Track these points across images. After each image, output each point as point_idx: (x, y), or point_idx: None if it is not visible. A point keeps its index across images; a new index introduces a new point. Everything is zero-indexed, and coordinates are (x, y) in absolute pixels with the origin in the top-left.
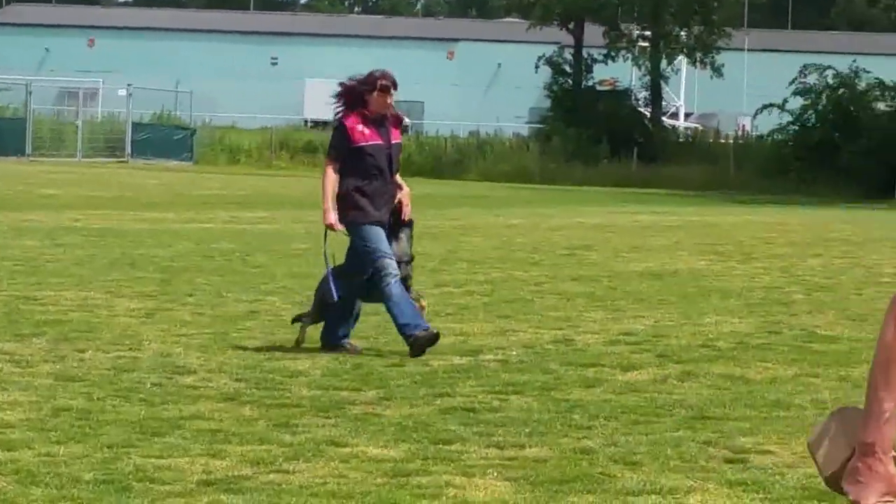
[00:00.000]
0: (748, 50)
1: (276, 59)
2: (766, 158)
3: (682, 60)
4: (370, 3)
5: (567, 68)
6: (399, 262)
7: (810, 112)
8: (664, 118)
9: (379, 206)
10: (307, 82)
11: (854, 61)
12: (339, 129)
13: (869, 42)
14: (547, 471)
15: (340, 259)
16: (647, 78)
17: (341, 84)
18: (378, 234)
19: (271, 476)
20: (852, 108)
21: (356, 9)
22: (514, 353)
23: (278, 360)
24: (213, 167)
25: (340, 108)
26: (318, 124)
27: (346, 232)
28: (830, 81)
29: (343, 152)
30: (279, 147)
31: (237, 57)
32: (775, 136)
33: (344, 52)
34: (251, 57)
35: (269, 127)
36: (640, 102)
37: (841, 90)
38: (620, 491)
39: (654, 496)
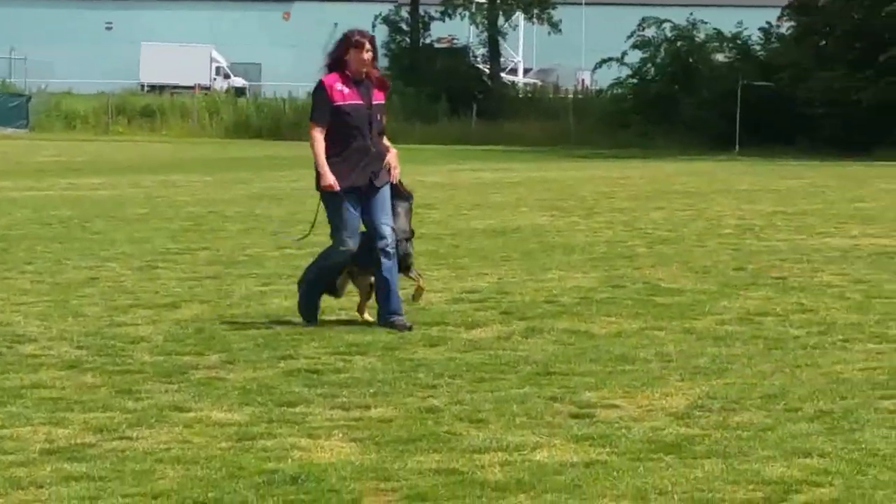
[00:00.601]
0: (585, 4)
1: (110, 23)
2: (606, 113)
3: (519, 16)
4: None
5: (404, 27)
6: (398, 240)
7: (649, 65)
8: (503, 74)
9: (357, 170)
10: (143, 46)
11: (692, 13)
12: (319, 89)
13: None
14: (392, 430)
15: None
16: (485, 35)
17: (329, 53)
18: (349, 215)
19: (115, 443)
20: (691, 60)
21: None
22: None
23: (119, 326)
24: (50, 134)
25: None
26: (154, 88)
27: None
28: (669, 34)
29: (326, 112)
30: (116, 112)
31: (71, 22)
32: (615, 90)
33: (179, 16)
34: (86, 22)
35: (105, 92)
36: (478, 59)
37: (679, 42)
38: (467, 449)
39: (500, 453)
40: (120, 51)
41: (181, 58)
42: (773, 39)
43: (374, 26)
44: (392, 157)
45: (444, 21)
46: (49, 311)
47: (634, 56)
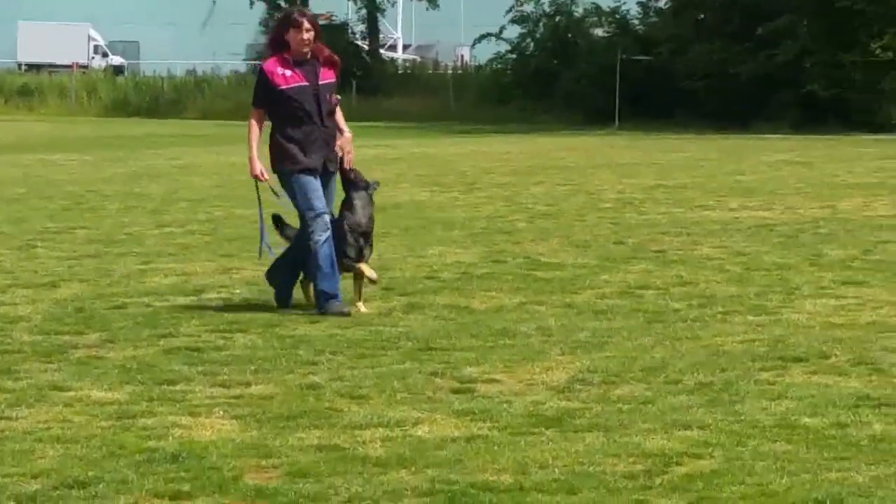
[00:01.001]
0: None
1: None
2: (486, 88)
3: None
4: None
5: (282, 3)
6: (353, 233)
7: (528, 40)
8: (382, 51)
9: (310, 152)
10: (20, 25)
11: None
12: (260, 75)
13: None
14: (273, 407)
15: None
16: (364, 11)
17: (271, 32)
18: (311, 185)
19: None
20: (570, 35)
21: None
22: (238, 291)
23: None
24: None
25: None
26: (32, 67)
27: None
28: (547, 9)
29: (263, 98)
30: None
31: None
32: (494, 66)
33: None
34: None
35: None
36: (357, 36)
37: (558, 17)
38: (348, 425)
39: (381, 429)
40: None
41: (59, 37)
42: (651, 13)
43: (251, 3)
44: (345, 140)
45: None
46: None
47: (513, 31)
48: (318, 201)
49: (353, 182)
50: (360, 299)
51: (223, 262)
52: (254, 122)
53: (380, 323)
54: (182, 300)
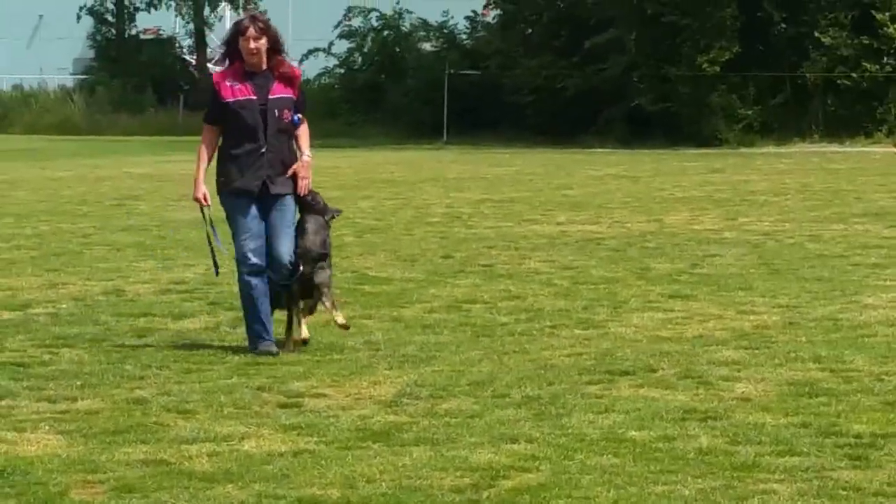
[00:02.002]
0: None
1: None
2: (315, 103)
3: (225, 7)
4: None
5: (109, 17)
6: (305, 259)
7: (356, 55)
8: (209, 65)
9: (248, 173)
10: None
11: (398, 3)
12: (210, 86)
13: None
14: (100, 422)
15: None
16: (191, 26)
17: (223, 41)
18: (240, 209)
19: None
20: (398, 50)
21: None
22: (65, 305)
23: None
24: None
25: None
26: None
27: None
28: (375, 23)
29: (213, 113)
30: None
31: None
32: (322, 80)
33: None
34: None
35: None
36: (184, 50)
37: (386, 32)
38: (174, 440)
39: (208, 444)
40: None
41: None
42: (479, 28)
43: (79, 17)
44: (300, 164)
45: (149, 12)
46: None
47: (341, 46)
48: (243, 232)
49: (308, 205)
50: (335, 308)
51: (50, 277)
52: (203, 139)
53: (207, 338)
54: (7, 315)
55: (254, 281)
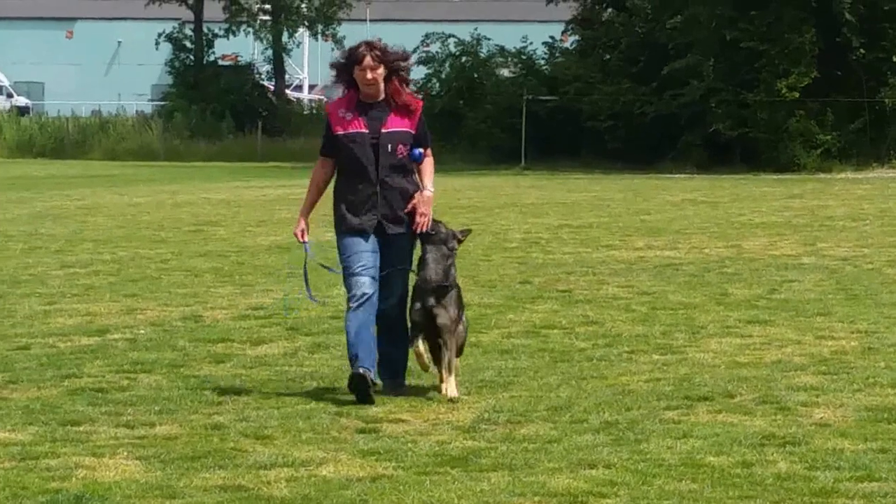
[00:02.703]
0: (370, 21)
1: None
2: None
3: (304, 33)
4: None
5: (188, 44)
6: (425, 290)
7: (434, 81)
8: (288, 91)
9: (361, 213)
10: None
11: (476, 29)
12: (325, 118)
13: (489, 9)
14: (178, 448)
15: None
16: (270, 51)
17: (331, 64)
18: (353, 245)
19: None
20: (476, 76)
21: None
22: (143, 331)
23: None
24: None
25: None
26: None
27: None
28: (453, 49)
29: (327, 145)
30: None
31: None
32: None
33: None
34: None
35: None
36: (263, 76)
37: (464, 58)
38: (252, 465)
39: (286, 469)
40: None
41: None
42: (557, 54)
43: (157, 44)
44: (420, 199)
45: (228, 38)
46: None
47: (419, 72)
48: (362, 259)
49: (426, 234)
50: (449, 373)
51: (128, 303)
52: (314, 171)
53: (285, 363)
54: (86, 340)
55: (361, 314)
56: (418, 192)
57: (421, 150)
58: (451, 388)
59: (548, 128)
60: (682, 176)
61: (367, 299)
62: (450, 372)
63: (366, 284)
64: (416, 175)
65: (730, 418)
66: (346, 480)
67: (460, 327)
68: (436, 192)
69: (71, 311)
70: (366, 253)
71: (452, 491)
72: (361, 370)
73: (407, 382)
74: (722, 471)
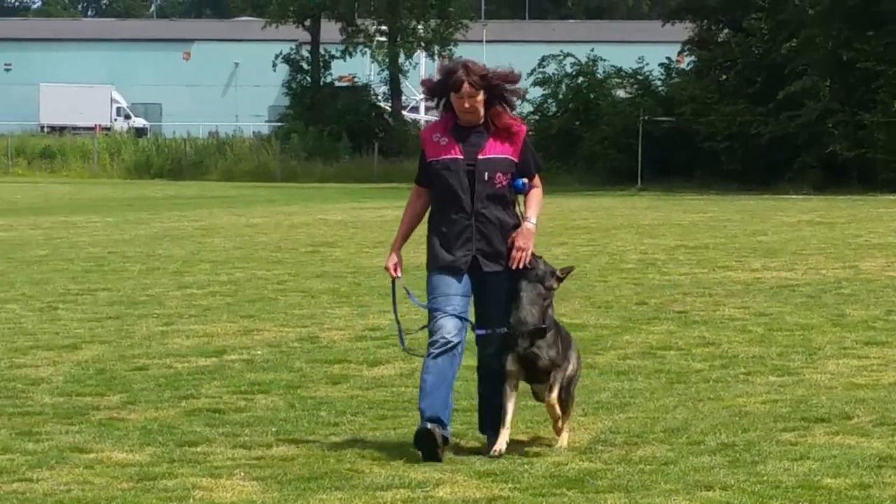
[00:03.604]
0: (486, 42)
1: (9, 64)
2: None
3: (420, 54)
4: (103, 7)
5: (305, 65)
6: (514, 334)
7: (550, 101)
8: (404, 112)
9: (454, 248)
10: (42, 87)
11: (592, 50)
12: (420, 144)
13: (605, 30)
14: (295, 469)
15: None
16: (386, 73)
17: (423, 82)
18: (444, 285)
19: (15, 485)
20: (592, 96)
21: (89, 12)
22: (259, 352)
23: (19, 368)
24: None
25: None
26: (54, 129)
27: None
28: (569, 70)
29: (421, 172)
30: (15, 153)
31: None
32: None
33: (79, 57)
34: None
35: (3, 133)
36: (379, 97)
37: (580, 79)
38: (369, 486)
39: (402, 490)
40: (19, 92)
41: (81, 99)
42: (673, 75)
43: (274, 66)
44: (518, 233)
45: (344, 60)
46: None
47: (535, 92)
48: (445, 304)
49: (520, 271)
50: (557, 432)
51: (244, 324)
52: (409, 203)
53: (401, 384)
54: (203, 361)
55: (440, 363)
56: (521, 227)
57: (525, 179)
58: (564, 437)
59: (664, 148)
60: (799, 197)
61: (450, 348)
62: (564, 423)
63: (450, 331)
64: (520, 208)
65: (847, 440)
66: (462, 501)
67: (570, 371)
68: (552, 212)
69: (188, 332)
70: (455, 296)
71: None
72: (429, 426)
73: (521, 404)
74: (839, 493)
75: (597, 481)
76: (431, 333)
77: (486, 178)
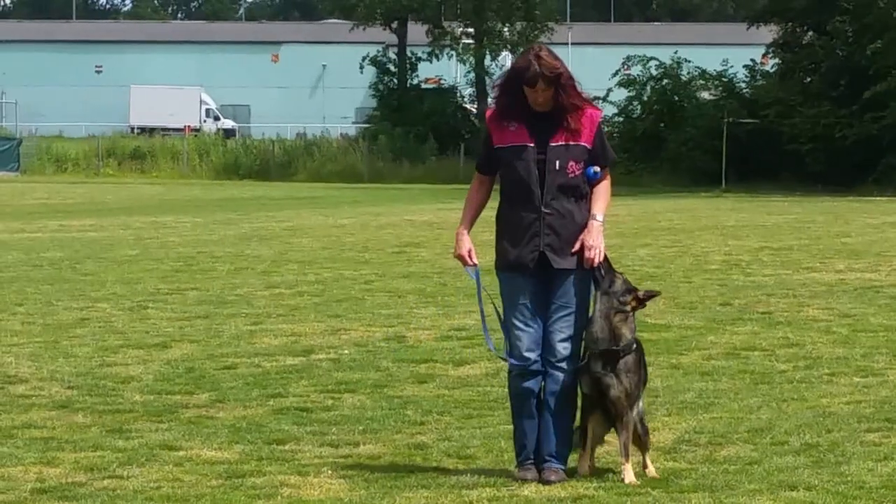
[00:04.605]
0: (571, 44)
1: (100, 67)
2: None
3: (506, 56)
4: (193, 9)
5: (392, 67)
6: (589, 351)
7: (635, 103)
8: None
9: (521, 242)
10: (132, 89)
11: (676, 52)
12: (485, 128)
13: (690, 32)
14: (381, 467)
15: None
16: (472, 75)
17: (496, 86)
18: (515, 294)
19: (105, 482)
20: (676, 98)
21: (179, 14)
22: (347, 351)
23: (110, 366)
24: (41, 177)
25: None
26: (144, 130)
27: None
28: (654, 72)
29: (485, 158)
30: (106, 154)
31: (62, 66)
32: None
33: (168, 59)
34: (76, 65)
35: (95, 135)
36: (465, 99)
37: (665, 80)
38: (455, 485)
39: (488, 489)
40: (110, 94)
41: (170, 100)
42: (758, 77)
43: (362, 68)
44: (588, 231)
45: (431, 62)
46: (40, 351)
47: (620, 94)
48: (515, 319)
49: (596, 281)
50: (626, 459)
51: (332, 323)
52: (470, 193)
53: (487, 384)
54: (291, 361)
55: (525, 383)
56: (590, 223)
57: (597, 168)
58: (628, 474)
59: (748, 150)
60: (883, 199)
61: (529, 365)
62: (626, 457)
63: (529, 348)
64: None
65: None
66: (547, 500)
67: (637, 411)
68: (637, 213)
69: (276, 332)
70: (524, 306)
71: None
72: (530, 475)
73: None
74: None
75: (681, 481)
76: (509, 347)
77: (557, 167)
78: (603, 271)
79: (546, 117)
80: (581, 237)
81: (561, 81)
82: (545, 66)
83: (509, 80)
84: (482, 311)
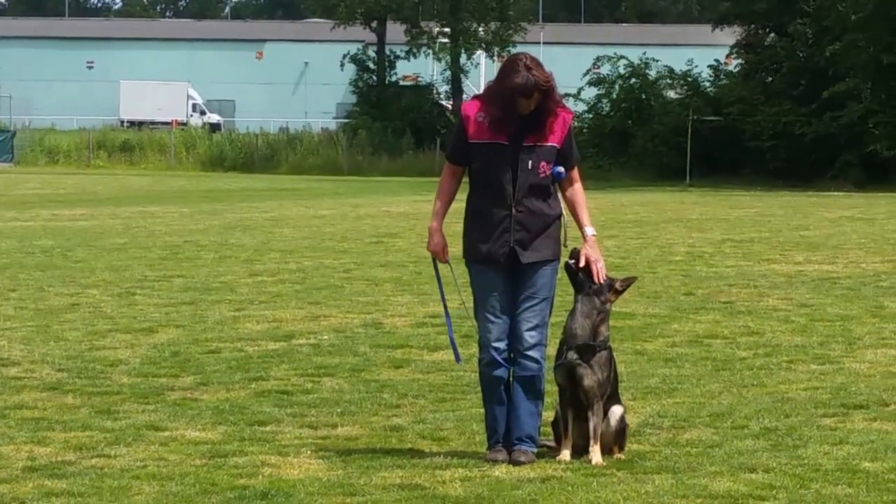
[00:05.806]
0: (543, 43)
1: (91, 62)
2: None
3: (480, 54)
4: (181, 8)
5: (371, 65)
6: (568, 345)
7: (604, 101)
8: None
9: (492, 237)
10: (122, 84)
11: (644, 52)
12: (460, 117)
13: (657, 33)
14: (358, 448)
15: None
16: (448, 72)
17: (488, 89)
18: (486, 287)
19: (94, 461)
20: (644, 97)
21: (167, 13)
22: (326, 337)
23: (99, 350)
24: (34, 167)
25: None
26: (133, 124)
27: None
28: (622, 71)
29: (457, 150)
30: (97, 147)
31: (54, 61)
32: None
33: (157, 55)
34: (68, 61)
35: (86, 128)
36: (441, 96)
37: (633, 80)
38: (429, 465)
39: (461, 469)
40: (100, 88)
41: (159, 95)
42: (721, 76)
43: (342, 65)
44: (588, 246)
45: (409, 60)
46: (32, 335)
47: (590, 92)
48: (485, 311)
49: (580, 284)
50: (595, 441)
51: (312, 310)
52: (442, 180)
53: (460, 369)
54: (273, 345)
55: (495, 372)
56: (584, 237)
57: (562, 168)
58: (595, 455)
59: (712, 147)
60: (840, 194)
61: (497, 355)
62: (595, 440)
63: (498, 338)
64: (558, 197)
65: (885, 426)
66: (517, 481)
67: (617, 413)
68: (605, 206)
69: (258, 318)
70: (493, 298)
71: (619, 492)
72: (501, 457)
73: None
74: (877, 476)
75: (645, 462)
76: (479, 335)
77: (529, 166)
78: (587, 273)
79: (521, 117)
80: (584, 255)
81: (550, 94)
82: (539, 78)
83: (504, 95)
84: (449, 325)
